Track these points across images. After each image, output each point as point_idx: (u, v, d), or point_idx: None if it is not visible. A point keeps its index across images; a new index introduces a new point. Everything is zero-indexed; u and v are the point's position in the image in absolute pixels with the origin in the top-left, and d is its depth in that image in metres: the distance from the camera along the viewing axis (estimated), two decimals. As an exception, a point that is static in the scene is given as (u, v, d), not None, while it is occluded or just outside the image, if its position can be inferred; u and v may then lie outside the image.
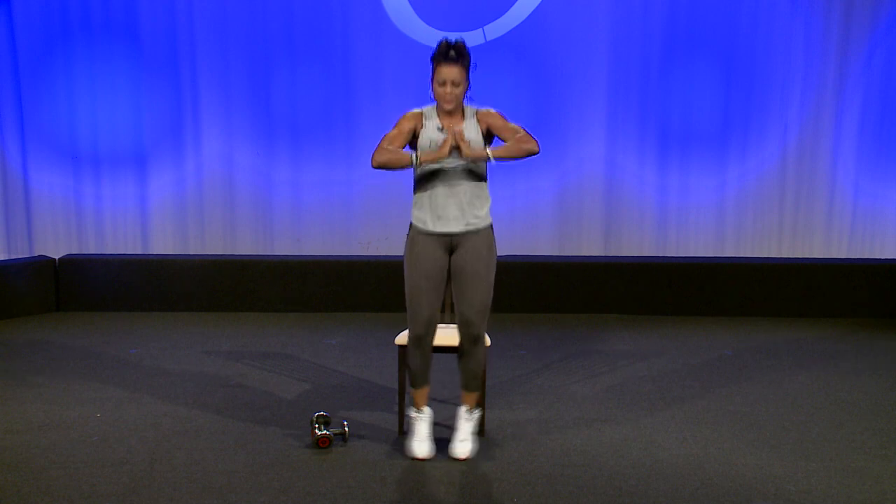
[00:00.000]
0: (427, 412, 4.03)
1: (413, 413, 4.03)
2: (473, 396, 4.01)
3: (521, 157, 3.80)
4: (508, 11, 6.55)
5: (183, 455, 3.98)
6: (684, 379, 5.08)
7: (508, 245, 6.50)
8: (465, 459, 3.91)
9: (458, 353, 3.98)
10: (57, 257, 6.62)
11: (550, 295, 6.54)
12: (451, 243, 3.89)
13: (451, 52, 3.74)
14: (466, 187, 3.82)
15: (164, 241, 6.82)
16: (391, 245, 6.63)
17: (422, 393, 4.01)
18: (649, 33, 6.59)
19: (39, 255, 6.68)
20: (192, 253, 6.79)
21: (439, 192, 3.82)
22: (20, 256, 6.66)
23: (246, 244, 6.85)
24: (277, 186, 6.78)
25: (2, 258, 6.60)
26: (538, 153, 3.79)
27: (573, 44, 6.60)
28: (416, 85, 6.66)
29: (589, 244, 6.83)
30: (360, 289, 6.53)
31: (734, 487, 3.70)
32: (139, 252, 6.81)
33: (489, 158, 3.74)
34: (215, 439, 4.15)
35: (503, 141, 3.83)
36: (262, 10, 6.57)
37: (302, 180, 6.77)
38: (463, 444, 3.94)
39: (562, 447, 4.09)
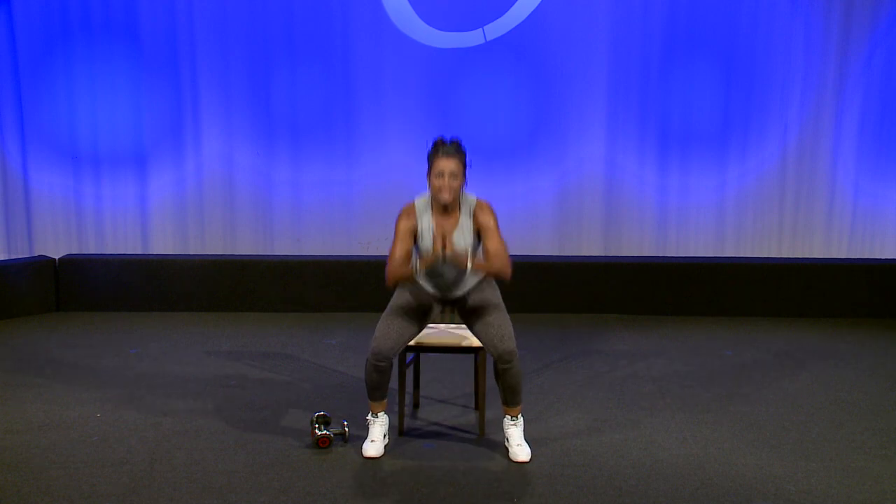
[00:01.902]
0: (381, 417, 4.05)
1: (368, 416, 4.07)
2: (516, 409, 4.04)
3: (493, 276, 4.00)
4: (508, 11, 6.55)
5: (183, 455, 3.98)
6: (684, 379, 5.09)
7: (508, 245, 6.49)
8: (527, 462, 3.93)
9: (495, 374, 4.04)
10: (57, 257, 6.62)
11: (550, 295, 6.54)
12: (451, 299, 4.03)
13: (448, 147, 3.88)
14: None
15: (164, 241, 6.82)
16: (391, 244, 6.62)
17: (378, 405, 4.05)
18: (649, 33, 6.59)
19: (39, 255, 6.68)
20: (192, 253, 6.79)
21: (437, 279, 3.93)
22: (20, 256, 6.66)
23: (246, 244, 6.85)
24: (277, 186, 6.78)
25: (2, 258, 6.60)
26: (509, 279, 3.98)
27: (573, 44, 6.60)
28: (416, 85, 6.68)
29: (589, 244, 6.83)
30: (360, 289, 6.53)
31: (734, 487, 3.70)
32: (139, 252, 6.81)
33: (466, 267, 3.84)
34: (215, 439, 4.15)
35: (484, 240, 3.94)
36: (262, 11, 6.57)
37: (302, 180, 6.77)
38: (521, 448, 3.98)
39: (562, 447, 4.09)
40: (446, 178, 3.85)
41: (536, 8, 6.54)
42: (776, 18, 6.55)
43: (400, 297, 4.06)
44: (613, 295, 6.54)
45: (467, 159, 3.92)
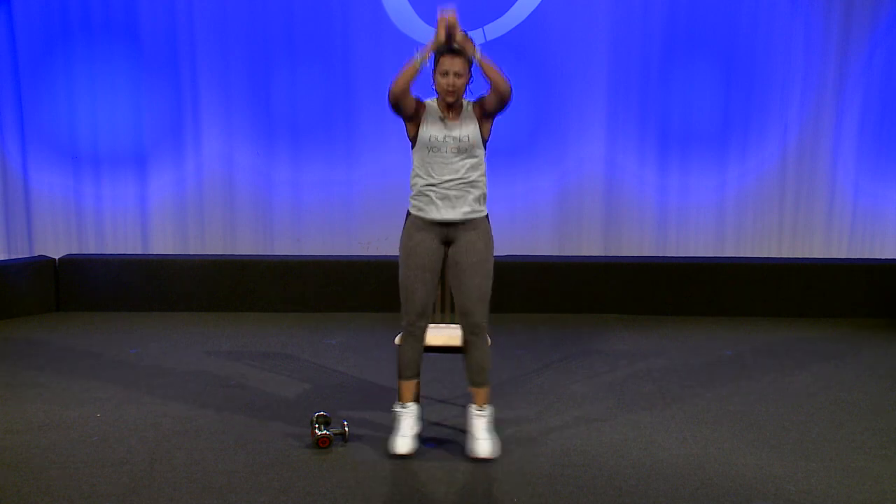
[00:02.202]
0: (412, 408, 4.01)
1: (398, 407, 4.02)
2: (482, 392, 3.99)
3: (498, 78, 3.77)
4: (508, 11, 6.55)
5: (183, 455, 3.98)
6: (684, 379, 5.09)
7: (508, 245, 6.50)
8: (487, 459, 3.87)
9: (463, 349, 3.99)
10: (57, 257, 6.62)
11: (550, 295, 6.54)
12: (447, 235, 3.93)
13: (455, 45, 3.78)
14: (463, 175, 3.87)
15: (164, 241, 6.82)
16: (391, 245, 6.58)
17: (409, 386, 4.01)
18: (649, 33, 6.59)
19: (39, 255, 6.68)
20: (192, 253, 6.79)
21: (436, 179, 3.87)
22: (20, 256, 6.66)
23: (246, 244, 6.85)
24: (277, 186, 6.78)
25: (2, 258, 6.60)
26: (509, 92, 3.81)
27: (573, 44, 6.60)
28: (416, 83, 6.66)
29: (589, 244, 6.83)
30: (360, 289, 6.53)
31: (734, 487, 3.70)
32: (139, 252, 6.81)
33: (475, 54, 3.73)
34: (215, 439, 4.15)
35: (491, 100, 3.84)
36: (262, 10, 6.57)
37: (302, 180, 6.77)
38: (481, 443, 3.91)
39: (562, 447, 4.09)
40: (451, 77, 3.79)
41: (536, 8, 6.54)
42: (776, 18, 6.55)
43: (407, 258, 3.93)
44: (613, 295, 6.54)
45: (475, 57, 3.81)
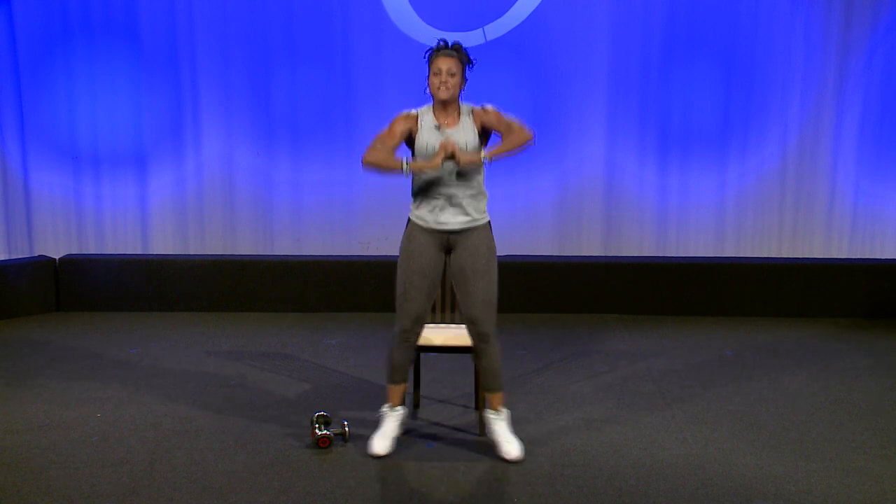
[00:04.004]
0: (399, 411, 4.02)
1: (385, 408, 4.02)
2: (497, 397, 3.98)
3: (518, 151, 3.80)
4: (508, 11, 6.55)
5: (183, 455, 3.98)
6: (684, 379, 5.09)
7: (508, 245, 6.49)
8: (518, 460, 3.87)
9: (473, 355, 3.98)
10: (57, 257, 6.62)
11: (550, 295, 6.54)
12: (448, 242, 3.91)
13: (448, 49, 3.81)
14: (464, 184, 3.84)
15: (164, 242, 6.82)
16: (391, 245, 6.59)
17: (398, 390, 4.01)
18: (649, 33, 6.59)
19: (39, 255, 6.68)
20: (192, 253, 6.78)
21: (437, 190, 3.84)
22: (20, 256, 6.66)
23: (246, 244, 6.84)
24: (277, 186, 6.78)
25: (2, 258, 6.60)
26: (533, 142, 3.79)
27: (573, 44, 6.60)
28: (416, 85, 6.65)
29: (589, 244, 6.82)
30: (361, 289, 6.53)
31: (734, 487, 3.70)
32: (139, 252, 6.80)
33: (484, 162, 3.74)
34: (215, 439, 4.15)
35: (500, 136, 3.83)
36: (262, 11, 6.57)
37: (302, 180, 6.77)
38: (510, 445, 3.92)
39: (562, 447, 4.09)
40: (443, 75, 3.78)
41: (537, 8, 6.53)
42: (776, 19, 6.54)
43: (406, 263, 3.90)
44: (613, 295, 6.54)
45: (468, 61, 3.84)
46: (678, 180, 6.74)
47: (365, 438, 4.09)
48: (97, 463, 3.89)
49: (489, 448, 4.06)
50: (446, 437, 4.20)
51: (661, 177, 6.74)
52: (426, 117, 3.87)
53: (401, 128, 3.84)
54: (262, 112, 6.69)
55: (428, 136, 3.82)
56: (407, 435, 4.20)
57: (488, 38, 6.57)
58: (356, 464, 3.89)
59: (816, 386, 4.99)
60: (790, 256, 6.78)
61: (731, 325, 6.25)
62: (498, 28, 6.57)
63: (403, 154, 3.86)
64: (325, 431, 4.03)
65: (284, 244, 6.84)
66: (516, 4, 6.54)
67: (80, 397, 4.70)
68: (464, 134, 3.83)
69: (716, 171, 6.74)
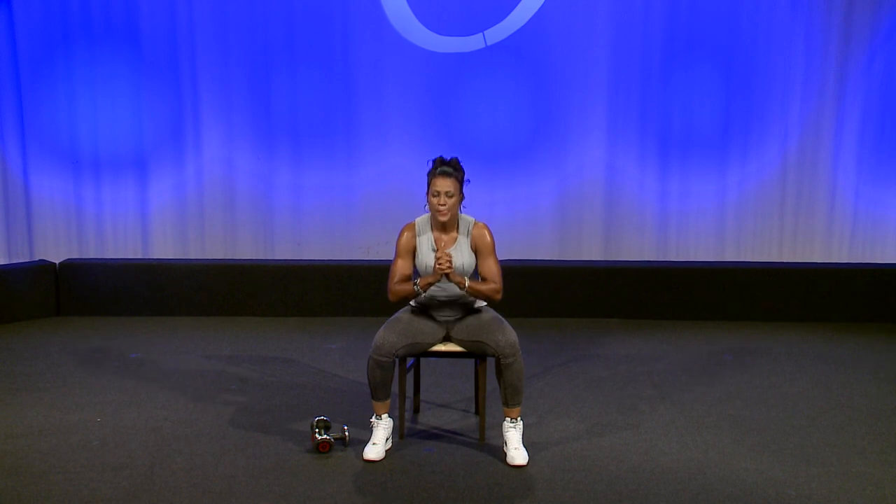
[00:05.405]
0: (386, 420, 4.07)
1: (373, 419, 4.08)
2: (515, 410, 4.07)
3: (482, 298, 4.11)
4: (509, 16, 6.56)
5: (183, 459, 3.97)
6: (685, 383, 5.08)
7: (509, 250, 6.50)
8: (524, 466, 3.94)
9: (497, 372, 4.08)
10: (57, 261, 6.62)
11: (551, 299, 6.54)
12: (447, 327, 4.18)
13: (446, 167, 4.02)
14: (459, 294, 4.08)
15: (164, 246, 6.82)
16: (391, 249, 6.61)
17: (382, 405, 4.08)
18: (650, 38, 6.60)
19: (40, 260, 6.68)
20: (192, 257, 6.79)
21: (433, 297, 4.13)
22: (21, 261, 6.66)
23: (246, 248, 6.85)
24: (278, 191, 6.78)
25: (2, 262, 6.60)
26: (496, 301, 4.10)
27: (573, 48, 6.61)
28: (416, 89, 6.69)
29: (589, 248, 6.83)
30: (361, 293, 6.53)
31: (735, 492, 3.70)
32: (139, 256, 6.81)
33: (463, 288, 3.99)
34: (215, 443, 4.15)
35: (480, 262, 4.10)
36: (262, 15, 6.58)
37: (302, 184, 6.77)
38: (518, 452, 3.99)
39: (562, 451, 4.09)
40: (442, 197, 4.00)
41: (537, 12, 6.55)
42: (776, 24, 6.56)
43: (405, 314, 4.18)
44: (614, 299, 6.54)
45: (464, 177, 4.07)
46: (678, 185, 6.75)
47: (365, 443, 4.09)
48: (97, 467, 3.88)
49: (489, 453, 4.07)
50: (447, 442, 4.20)
51: (661, 181, 6.74)
52: (424, 235, 4.11)
53: (406, 247, 4.12)
54: (262, 116, 6.70)
55: (426, 258, 4.08)
56: (407, 439, 4.20)
57: (488, 43, 6.58)
58: (356, 468, 3.89)
59: (817, 390, 4.99)
60: (791, 261, 6.78)
61: (732, 330, 6.25)
62: (498, 32, 6.58)
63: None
64: (325, 436, 4.03)
65: (285, 248, 6.84)
66: (516, 9, 6.55)
67: (81, 402, 4.70)
68: (460, 256, 4.06)
69: (716, 175, 6.74)
